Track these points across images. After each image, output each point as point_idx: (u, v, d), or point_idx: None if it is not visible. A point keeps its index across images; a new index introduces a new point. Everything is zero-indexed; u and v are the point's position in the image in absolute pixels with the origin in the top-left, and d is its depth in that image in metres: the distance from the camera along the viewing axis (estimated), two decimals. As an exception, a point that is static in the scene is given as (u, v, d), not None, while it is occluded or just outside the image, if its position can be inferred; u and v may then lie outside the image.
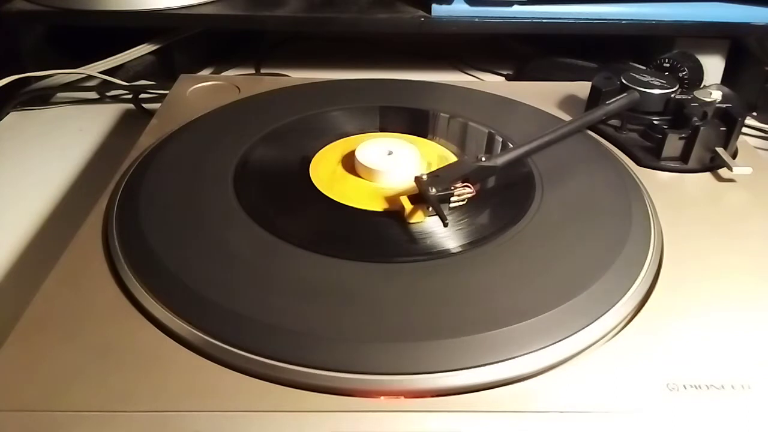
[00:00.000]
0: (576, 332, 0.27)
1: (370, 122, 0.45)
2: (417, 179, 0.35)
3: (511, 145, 0.39)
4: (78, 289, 0.29)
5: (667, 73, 0.49)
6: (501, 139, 0.43)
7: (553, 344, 0.27)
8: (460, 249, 0.32)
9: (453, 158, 0.40)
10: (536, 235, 0.33)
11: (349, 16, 0.61)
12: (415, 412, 0.24)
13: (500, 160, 0.37)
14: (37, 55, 0.63)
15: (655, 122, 0.43)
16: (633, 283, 0.30)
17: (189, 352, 0.26)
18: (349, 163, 0.39)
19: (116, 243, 0.32)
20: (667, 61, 0.59)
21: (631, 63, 0.61)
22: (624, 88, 0.44)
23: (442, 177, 0.35)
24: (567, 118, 0.45)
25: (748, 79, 0.59)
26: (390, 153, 0.38)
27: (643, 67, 0.54)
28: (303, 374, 0.25)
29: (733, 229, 0.35)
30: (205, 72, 0.67)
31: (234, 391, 0.25)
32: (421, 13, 0.60)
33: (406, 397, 0.25)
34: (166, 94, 0.50)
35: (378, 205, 0.35)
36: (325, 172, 0.38)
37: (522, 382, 0.26)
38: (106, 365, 0.26)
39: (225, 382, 0.25)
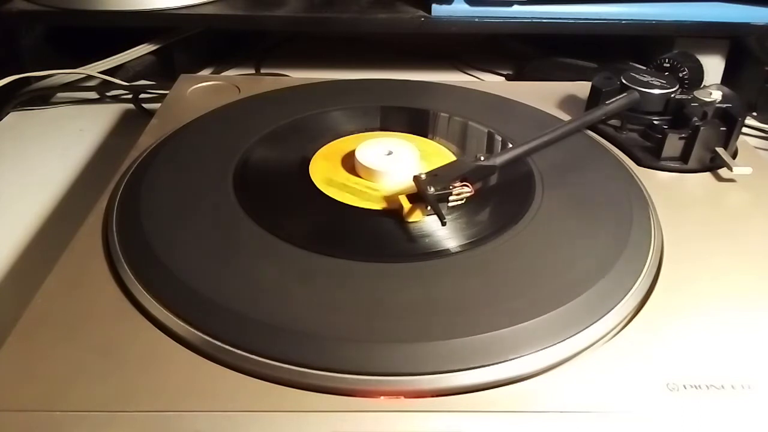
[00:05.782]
0: (576, 332, 0.27)
1: (370, 122, 0.45)
2: (415, 178, 0.35)
3: (510, 145, 0.39)
4: (78, 288, 0.29)
5: (667, 73, 0.49)
6: (500, 139, 0.43)
7: (553, 344, 0.27)
8: (459, 249, 0.32)
9: (453, 158, 0.40)
10: (536, 234, 0.33)
11: (349, 16, 0.61)
12: (415, 412, 0.24)
13: (499, 160, 0.37)
14: (37, 55, 0.63)
15: (655, 122, 0.43)
16: (633, 283, 0.30)
17: (189, 352, 0.26)
18: (349, 163, 0.39)
19: (116, 243, 0.32)
20: (667, 61, 0.59)
21: (631, 63, 0.61)
22: (624, 88, 0.44)
23: (440, 176, 0.35)
24: (567, 118, 0.45)
25: (748, 79, 0.59)
26: (390, 153, 0.38)
27: (643, 67, 0.54)
28: (303, 374, 0.25)
29: (733, 229, 0.35)
30: (205, 72, 0.67)
31: (234, 391, 0.25)
32: (421, 13, 0.60)
33: (406, 397, 0.25)
34: (166, 94, 0.50)
35: (377, 205, 0.35)
36: (325, 172, 0.38)
37: (522, 382, 0.26)
38: (106, 365, 0.26)
39: (225, 382, 0.25)
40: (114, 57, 0.61)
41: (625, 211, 0.35)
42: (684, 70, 0.58)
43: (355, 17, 0.61)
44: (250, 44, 0.72)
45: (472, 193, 0.35)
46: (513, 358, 0.26)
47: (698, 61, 0.60)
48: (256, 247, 0.32)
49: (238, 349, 0.26)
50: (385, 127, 0.44)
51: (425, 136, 0.43)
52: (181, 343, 0.27)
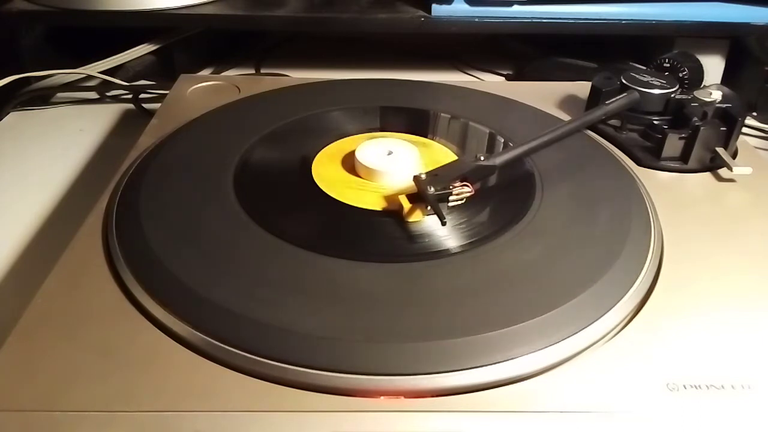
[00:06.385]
0: (576, 332, 0.27)
1: (370, 122, 0.45)
2: (415, 178, 0.35)
3: (510, 145, 0.39)
4: (78, 289, 0.29)
5: (667, 73, 0.49)
6: (501, 139, 0.43)
7: (553, 344, 0.27)
8: (460, 249, 0.32)
9: (453, 158, 0.40)
10: (536, 234, 0.33)
11: (349, 16, 0.61)
12: (415, 412, 0.24)
13: (499, 160, 0.37)
14: (37, 55, 0.63)
15: (655, 122, 0.43)
16: (633, 283, 0.30)
17: (189, 352, 0.26)
18: (349, 163, 0.39)
19: (116, 243, 0.32)
20: (667, 61, 0.59)
21: (631, 63, 0.61)
22: (624, 88, 0.44)
23: (440, 176, 0.35)
24: (567, 118, 0.45)
25: (748, 79, 0.59)
26: (390, 153, 0.38)
27: (643, 67, 0.54)
28: (303, 374, 0.25)
29: (733, 229, 0.35)
30: (205, 72, 0.67)
31: (234, 391, 0.25)
32: (421, 13, 0.60)
33: (406, 397, 0.25)
34: (166, 94, 0.50)
35: (378, 205, 0.35)
36: (325, 172, 0.38)
37: (522, 382, 0.26)
38: (106, 365, 0.26)
39: (225, 382, 0.25)
40: (114, 57, 0.61)
41: (625, 211, 0.35)
42: (684, 70, 0.58)
43: (355, 17, 0.61)
44: (250, 44, 0.72)
45: (472, 193, 0.35)
46: (513, 358, 0.26)
47: (698, 61, 0.60)
48: (256, 247, 0.32)
49: (238, 349, 0.26)
50: (385, 127, 0.44)
51: (425, 136, 0.43)
52: (181, 343, 0.27)
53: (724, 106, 0.40)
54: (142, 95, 0.59)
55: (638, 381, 0.26)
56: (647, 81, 0.44)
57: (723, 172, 0.40)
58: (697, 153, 0.40)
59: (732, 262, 0.32)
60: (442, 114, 0.46)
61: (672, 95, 0.43)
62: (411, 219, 0.34)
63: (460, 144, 0.43)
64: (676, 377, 0.26)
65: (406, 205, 0.34)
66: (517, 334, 0.27)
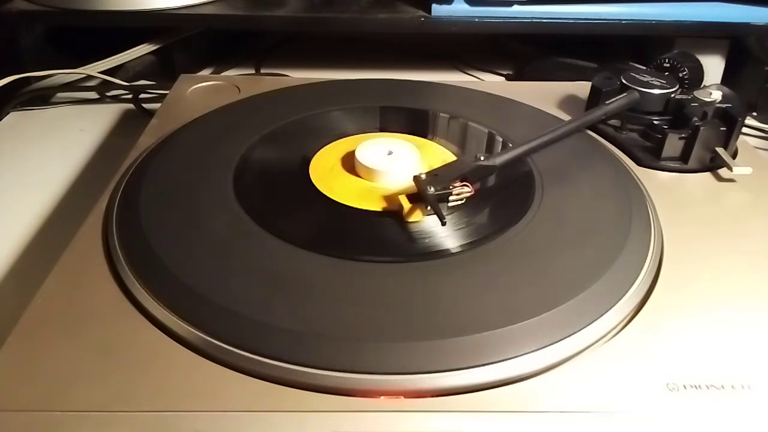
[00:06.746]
0: (576, 332, 0.27)
1: (370, 122, 0.45)
2: (415, 178, 0.35)
3: (510, 145, 0.39)
4: (78, 289, 0.29)
5: (667, 73, 0.49)
6: (501, 139, 0.43)
7: (553, 344, 0.27)
8: (460, 249, 0.32)
9: (453, 158, 0.40)
10: (536, 234, 0.33)
11: (349, 16, 0.61)
12: (415, 412, 0.24)
13: (499, 160, 0.37)
14: (37, 55, 0.63)
15: (655, 122, 0.43)
16: (633, 283, 0.30)
17: (189, 352, 0.26)
18: (349, 163, 0.39)
19: (116, 243, 0.32)
20: (667, 61, 0.59)
21: (631, 63, 0.61)
22: (624, 88, 0.44)
23: (440, 176, 0.35)
24: (567, 118, 0.45)
25: (748, 79, 0.59)
26: (390, 153, 0.38)
27: (643, 67, 0.54)
28: (303, 374, 0.25)
29: (733, 229, 0.35)
30: (205, 72, 0.67)
31: (234, 391, 0.25)
32: (421, 13, 0.60)
33: (406, 397, 0.25)
34: (166, 94, 0.50)
35: (378, 205, 0.35)
36: (325, 172, 0.38)
37: (522, 382, 0.26)
38: (106, 365, 0.26)
39: (225, 382, 0.25)
40: (114, 57, 0.61)
41: (625, 211, 0.35)
42: (684, 70, 0.58)
43: (355, 17, 0.61)
44: (250, 44, 0.72)
45: (472, 193, 0.35)
46: (513, 358, 0.26)
47: (698, 61, 0.60)
48: (256, 247, 0.32)
49: (238, 349, 0.26)
50: (385, 128, 0.44)
51: (425, 136, 0.43)
52: (181, 343, 0.27)
53: (724, 106, 0.40)
54: (142, 95, 0.59)
55: (638, 381, 0.26)
56: (647, 81, 0.44)
57: (723, 172, 0.40)
58: (697, 153, 0.40)
59: (732, 262, 0.32)
60: (442, 114, 0.46)
61: (672, 95, 0.43)
62: (411, 219, 0.34)
63: (460, 144, 0.43)
64: (676, 377, 0.26)
65: (406, 205, 0.34)
66: (517, 334, 0.27)
